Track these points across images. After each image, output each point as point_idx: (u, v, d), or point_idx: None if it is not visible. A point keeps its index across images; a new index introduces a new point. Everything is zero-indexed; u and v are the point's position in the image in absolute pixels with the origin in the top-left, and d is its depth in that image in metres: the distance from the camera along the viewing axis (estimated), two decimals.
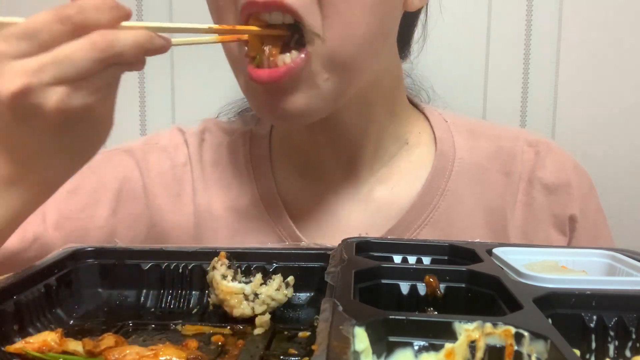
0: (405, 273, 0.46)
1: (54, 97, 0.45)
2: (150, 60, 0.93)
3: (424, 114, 0.75)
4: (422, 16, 0.76)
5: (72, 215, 0.70)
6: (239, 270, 0.55)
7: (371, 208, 0.70)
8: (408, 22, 0.69)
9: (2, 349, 0.45)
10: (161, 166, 0.74)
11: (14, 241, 0.68)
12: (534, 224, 0.71)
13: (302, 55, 0.57)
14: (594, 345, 0.40)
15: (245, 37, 0.57)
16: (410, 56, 0.81)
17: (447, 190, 0.69)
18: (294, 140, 0.73)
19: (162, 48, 0.49)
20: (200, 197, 0.72)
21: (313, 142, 0.71)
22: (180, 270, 0.57)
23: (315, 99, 0.59)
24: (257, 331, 0.51)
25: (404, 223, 0.68)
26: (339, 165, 0.71)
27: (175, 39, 0.51)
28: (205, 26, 0.53)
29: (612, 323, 0.40)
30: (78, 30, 0.45)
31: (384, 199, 0.70)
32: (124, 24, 0.47)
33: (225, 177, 0.73)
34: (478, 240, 0.68)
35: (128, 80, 0.93)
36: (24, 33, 0.45)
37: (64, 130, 0.47)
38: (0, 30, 0.46)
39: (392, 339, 0.35)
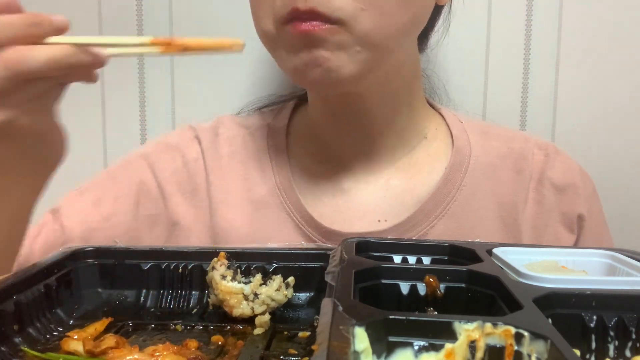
0: (405, 273, 0.46)
1: None
2: (150, 61, 0.94)
3: (439, 113, 0.78)
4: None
5: (98, 225, 0.71)
6: (238, 270, 0.55)
7: (389, 196, 0.71)
8: (432, 14, 0.71)
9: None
10: (174, 164, 0.75)
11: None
12: (544, 221, 0.73)
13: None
14: (594, 345, 0.40)
15: None
16: (427, 49, 0.82)
17: (463, 185, 0.71)
18: (316, 130, 0.75)
19: (91, 63, 0.48)
20: (216, 189, 0.73)
21: (336, 131, 0.73)
22: (180, 270, 0.57)
23: (348, 63, 0.61)
24: (257, 331, 0.51)
25: (422, 212, 0.70)
26: (360, 154, 0.73)
27: (111, 49, 0.49)
28: (137, 40, 0.50)
29: (612, 323, 0.40)
30: None
31: (402, 188, 0.72)
32: (56, 39, 0.47)
33: (241, 168, 0.74)
34: (492, 233, 0.70)
35: (128, 80, 0.94)
36: None
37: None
38: None
39: (392, 339, 0.35)
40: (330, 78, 0.61)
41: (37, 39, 0.47)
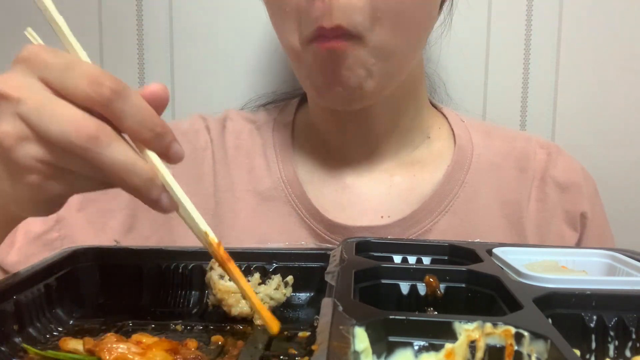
0: (405, 273, 0.46)
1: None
2: (150, 60, 0.94)
3: (441, 112, 0.79)
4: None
5: (95, 196, 0.71)
6: None
7: (393, 192, 0.72)
8: None
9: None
10: None
11: (37, 223, 0.69)
12: (547, 219, 0.73)
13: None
14: (594, 345, 0.40)
15: None
16: (425, 46, 0.82)
17: (466, 182, 0.72)
18: (320, 128, 0.75)
19: (150, 200, 0.42)
20: (222, 179, 0.74)
21: (339, 132, 0.74)
22: (180, 270, 0.57)
23: (366, 78, 0.62)
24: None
25: (426, 208, 0.70)
26: (363, 153, 0.73)
27: (184, 212, 0.43)
28: (206, 234, 0.43)
29: (612, 323, 0.40)
30: (96, 107, 0.40)
31: (405, 185, 0.73)
32: (154, 157, 0.43)
33: (247, 161, 0.75)
34: (496, 231, 0.71)
35: (128, 79, 0.94)
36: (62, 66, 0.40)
37: None
38: None
39: (392, 339, 0.35)
40: (353, 95, 0.63)
41: (143, 144, 0.43)
